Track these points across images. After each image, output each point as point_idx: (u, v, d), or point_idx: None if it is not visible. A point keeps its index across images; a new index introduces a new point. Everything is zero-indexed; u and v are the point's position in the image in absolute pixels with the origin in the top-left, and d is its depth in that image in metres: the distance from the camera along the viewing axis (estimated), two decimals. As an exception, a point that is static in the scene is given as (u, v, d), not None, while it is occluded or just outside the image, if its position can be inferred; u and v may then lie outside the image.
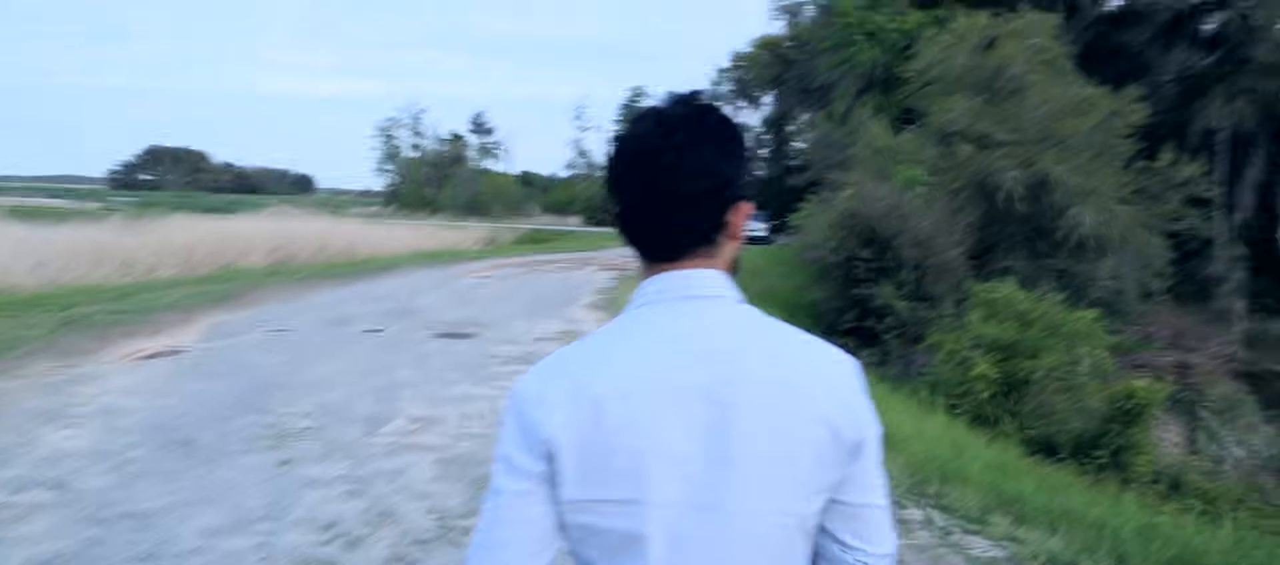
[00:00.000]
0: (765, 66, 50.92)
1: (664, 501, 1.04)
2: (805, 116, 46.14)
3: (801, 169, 29.38)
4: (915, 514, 4.91)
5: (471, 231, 36.55)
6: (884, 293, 14.57)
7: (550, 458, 1.05)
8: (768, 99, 51.74)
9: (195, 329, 9.45)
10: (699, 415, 1.04)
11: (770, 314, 1.16)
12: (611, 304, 13.03)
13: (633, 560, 1.05)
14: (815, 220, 17.74)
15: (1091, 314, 10.66)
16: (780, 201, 31.38)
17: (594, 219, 55.39)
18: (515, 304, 12.78)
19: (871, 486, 1.14)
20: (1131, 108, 18.19)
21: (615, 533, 1.05)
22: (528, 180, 74.89)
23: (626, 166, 1.13)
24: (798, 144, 42.05)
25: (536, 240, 35.80)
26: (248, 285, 13.60)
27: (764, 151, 49.83)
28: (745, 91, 55.51)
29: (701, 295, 1.11)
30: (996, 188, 16.80)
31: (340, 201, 72.52)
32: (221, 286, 13.22)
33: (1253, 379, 22.45)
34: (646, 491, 1.04)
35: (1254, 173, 28.68)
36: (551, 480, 1.06)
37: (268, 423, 5.82)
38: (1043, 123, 17.42)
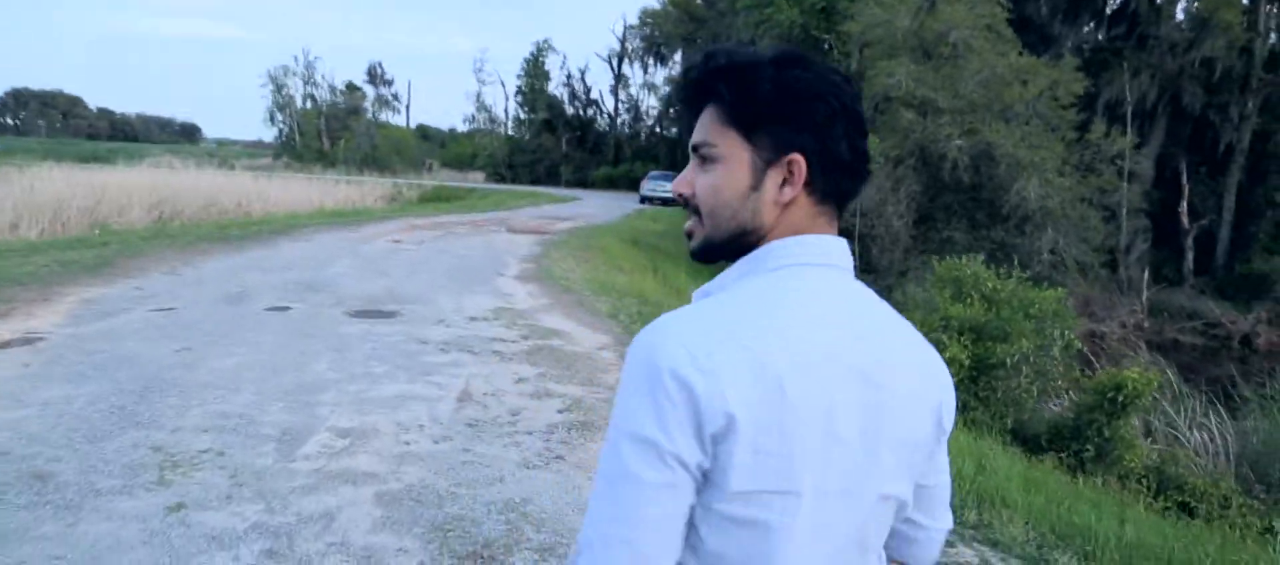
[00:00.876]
0: (676, 24, 50.43)
1: (826, 489, 0.92)
2: (720, 76, 45.76)
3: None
4: (967, 555, 4.09)
5: (372, 187, 34.81)
6: (827, 264, 13.93)
7: (718, 441, 0.87)
8: (678, 57, 51.15)
9: (59, 308, 7.91)
10: (857, 397, 0.94)
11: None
12: (543, 275, 11.93)
13: (775, 550, 0.90)
14: (748, 185, 16.97)
15: (1057, 293, 10.18)
16: (696, 163, 30.81)
17: (497, 175, 53.93)
18: (436, 274, 11.54)
19: (944, 466, 1.16)
20: (1072, 77, 17.96)
21: (772, 526, 0.90)
22: (425, 134, 72.50)
23: (832, 106, 0.99)
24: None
25: (442, 198, 34.10)
26: (125, 250, 11.88)
27: (675, 111, 49.88)
28: (655, 49, 54.92)
29: (837, 265, 1.01)
30: (941, 156, 16.28)
31: (229, 152, 68.79)
32: (93, 251, 11.49)
33: (1161, 348, 23.17)
34: (816, 478, 0.91)
35: (1154, 146, 29.88)
36: (707, 470, 0.88)
37: (153, 444, 4.56)
38: (982, 90, 16.98)
